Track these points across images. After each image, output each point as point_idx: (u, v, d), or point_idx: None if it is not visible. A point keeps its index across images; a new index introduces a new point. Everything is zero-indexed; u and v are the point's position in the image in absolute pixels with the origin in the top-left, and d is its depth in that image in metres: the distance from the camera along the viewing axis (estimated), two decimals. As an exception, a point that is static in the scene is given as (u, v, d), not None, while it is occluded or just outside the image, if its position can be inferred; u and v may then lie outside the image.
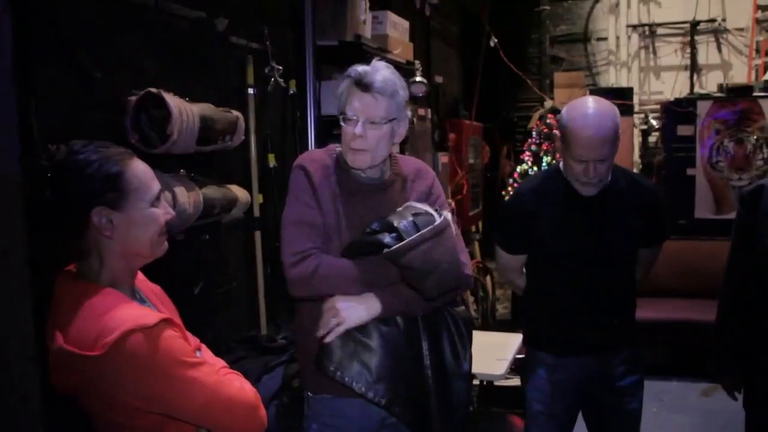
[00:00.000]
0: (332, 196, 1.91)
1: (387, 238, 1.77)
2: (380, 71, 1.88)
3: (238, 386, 1.51)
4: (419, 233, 1.76)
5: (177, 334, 1.44)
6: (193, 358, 1.45)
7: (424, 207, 1.88)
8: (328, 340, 1.82)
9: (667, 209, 2.52)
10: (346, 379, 1.81)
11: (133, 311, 1.40)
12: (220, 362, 1.60)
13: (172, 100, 2.16)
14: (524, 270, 2.53)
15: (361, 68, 1.88)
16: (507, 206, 2.56)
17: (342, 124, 1.91)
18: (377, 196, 1.96)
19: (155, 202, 1.51)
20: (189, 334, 1.72)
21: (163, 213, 1.54)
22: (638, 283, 2.50)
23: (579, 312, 2.36)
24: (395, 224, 1.78)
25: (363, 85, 1.86)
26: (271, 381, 2.08)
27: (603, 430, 2.51)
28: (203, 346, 1.69)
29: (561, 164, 2.37)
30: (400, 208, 1.88)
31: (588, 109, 2.19)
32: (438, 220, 1.82)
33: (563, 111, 2.28)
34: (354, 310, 1.82)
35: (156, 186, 1.52)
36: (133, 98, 2.15)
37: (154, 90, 2.15)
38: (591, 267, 2.32)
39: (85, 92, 2.08)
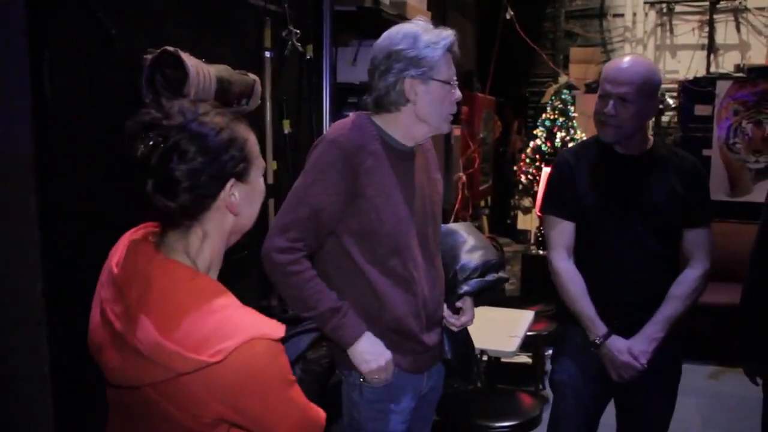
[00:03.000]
0: (381, 174, 1.84)
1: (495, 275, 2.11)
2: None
3: (311, 405, 1.34)
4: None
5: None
6: (292, 375, 1.27)
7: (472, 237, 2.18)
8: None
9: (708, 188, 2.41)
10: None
11: (251, 316, 1.20)
12: None
13: (189, 60, 2.09)
14: (571, 258, 2.33)
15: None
16: (553, 167, 2.48)
17: (444, 86, 1.87)
18: (413, 163, 1.96)
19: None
20: None
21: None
22: (699, 278, 2.28)
23: (614, 283, 2.25)
24: (494, 260, 2.13)
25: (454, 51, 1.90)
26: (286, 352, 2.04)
27: (633, 418, 2.41)
28: None
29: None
30: (471, 240, 2.15)
31: (628, 56, 2.29)
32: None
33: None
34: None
35: (258, 152, 1.32)
36: (149, 57, 2.08)
37: (170, 49, 2.08)
38: (628, 233, 2.23)
39: (101, 48, 2.01)
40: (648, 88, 2.18)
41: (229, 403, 1.17)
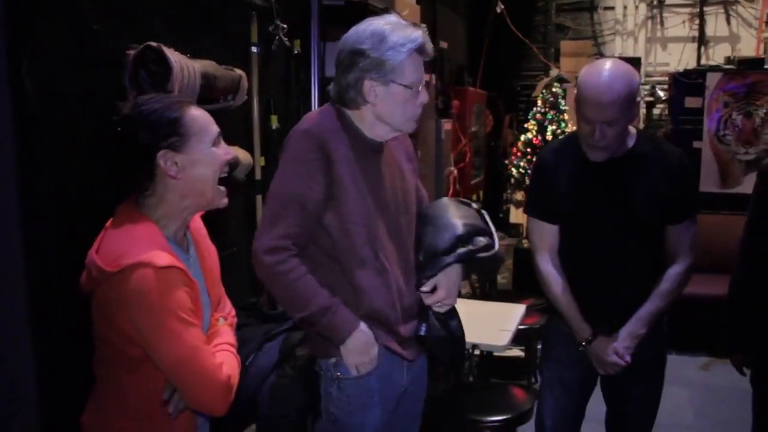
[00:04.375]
0: (350, 164, 1.82)
1: (482, 240, 1.95)
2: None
3: (217, 363, 1.56)
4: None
5: (185, 288, 1.52)
6: (187, 315, 1.51)
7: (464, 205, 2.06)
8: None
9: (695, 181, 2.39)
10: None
11: (156, 250, 1.49)
12: (227, 339, 1.68)
13: (173, 56, 2.07)
14: (556, 259, 2.35)
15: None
16: (533, 168, 2.48)
17: (406, 90, 1.82)
18: (382, 156, 1.93)
19: (215, 142, 1.63)
20: (227, 303, 1.82)
21: (224, 152, 1.65)
22: (683, 273, 2.29)
23: (596, 282, 2.28)
24: (481, 226, 1.98)
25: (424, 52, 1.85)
26: (273, 349, 2.03)
27: (620, 410, 2.45)
28: (228, 320, 1.76)
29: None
30: (451, 212, 2.00)
31: (603, 70, 2.11)
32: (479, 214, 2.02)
33: (581, 70, 2.21)
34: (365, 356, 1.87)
35: (214, 128, 1.63)
36: (132, 52, 2.06)
37: (153, 44, 2.05)
38: (610, 234, 2.24)
39: (83, 45, 1.99)
40: (630, 100, 2.11)
41: (126, 316, 1.46)
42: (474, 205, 2.09)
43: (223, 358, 1.60)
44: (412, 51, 1.79)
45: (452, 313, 2.01)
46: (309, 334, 1.94)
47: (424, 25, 1.89)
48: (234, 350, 1.69)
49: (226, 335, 1.71)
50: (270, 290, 1.86)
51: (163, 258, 1.48)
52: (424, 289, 1.95)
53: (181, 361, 1.50)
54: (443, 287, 1.94)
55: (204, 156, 1.60)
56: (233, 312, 1.86)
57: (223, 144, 1.66)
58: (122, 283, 1.45)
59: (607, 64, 2.13)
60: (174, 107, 1.58)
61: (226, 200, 1.69)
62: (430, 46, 1.85)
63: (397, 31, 1.78)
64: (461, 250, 1.94)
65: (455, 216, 1.99)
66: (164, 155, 1.55)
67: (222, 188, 1.67)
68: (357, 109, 1.85)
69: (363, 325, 1.83)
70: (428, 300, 1.95)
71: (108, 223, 1.60)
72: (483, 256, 1.96)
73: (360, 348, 1.84)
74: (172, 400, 1.55)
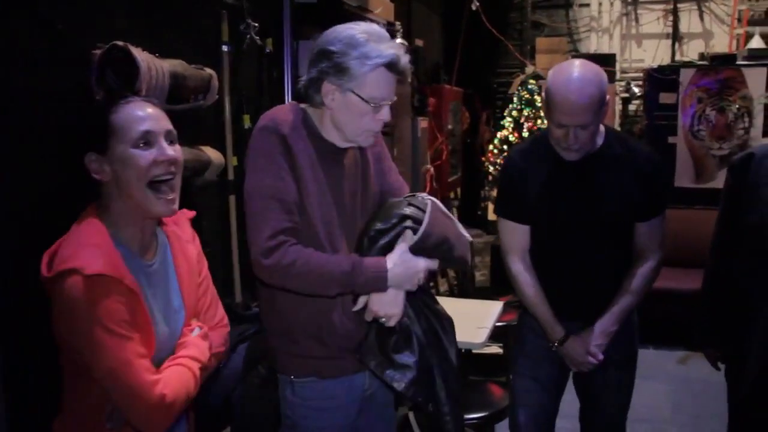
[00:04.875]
0: (311, 161, 1.78)
1: (409, 223, 1.77)
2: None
3: (149, 380, 1.46)
4: (431, 211, 1.78)
5: (118, 297, 1.44)
6: (117, 326, 1.44)
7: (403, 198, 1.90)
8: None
9: (666, 180, 2.39)
10: (387, 375, 1.81)
11: (91, 255, 1.44)
12: (189, 352, 1.60)
13: (140, 55, 2.03)
14: (527, 259, 2.34)
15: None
16: (501, 169, 2.47)
17: (363, 103, 1.75)
18: (342, 158, 1.87)
19: (138, 143, 1.53)
20: (217, 311, 1.79)
21: (151, 154, 1.53)
22: (653, 269, 2.30)
23: (567, 279, 2.29)
24: (407, 212, 1.79)
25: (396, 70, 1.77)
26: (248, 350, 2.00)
27: (593, 404, 2.46)
28: (204, 330, 1.69)
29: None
30: (388, 204, 1.87)
31: (572, 73, 2.09)
32: (428, 200, 1.84)
33: (549, 73, 2.19)
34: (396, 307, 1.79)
35: (139, 127, 1.53)
36: (98, 52, 2.02)
37: (120, 43, 2.02)
38: (580, 233, 2.25)
39: (47, 45, 1.95)
40: (601, 102, 2.09)
41: (62, 321, 1.44)
42: (418, 197, 1.89)
43: (166, 375, 1.51)
44: (379, 66, 1.72)
45: (404, 332, 1.84)
46: (275, 351, 1.89)
47: (406, 43, 1.82)
48: (195, 365, 1.59)
49: (191, 348, 1.62)
50: (291, 288, 1.74)
51: (94, 265, 1.42)
52: (354, 308, 1.80)
53: (109, 374, 1.43)
54: (372, 301, 1.78)
55: (123, 158, 1.52)
56: (225, 320, 1.83)
57: (160, 144, 1.56)
58: (57, 289, 1.42)
59: (576, 69, 2.10)
60: (105, 108, 1.54)
61: (166, 209, 1.59)
62: (404, 65, 1.76)
63: (371, 43, 1.71)
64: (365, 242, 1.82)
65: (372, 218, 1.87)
66: (89, 157, 1.53)
67: (161, 195, 1.57)
68: (317, 108, 1.81)
69: (390, 263, 1.75)
70: (367, 317, 1.81)
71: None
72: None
73: (391, 299, 1.77)
74: (113, 415, 1.50)
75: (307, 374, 1.85)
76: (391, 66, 1.74)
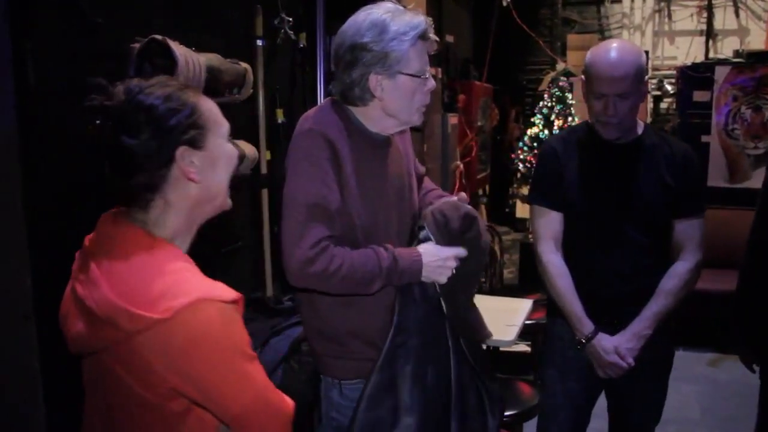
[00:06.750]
0: (356, 165, 1.74)
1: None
2: None
3: (281, 394, 1.31)
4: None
5: (240, 317, 1.24)
6: (251, 350, 1.24)
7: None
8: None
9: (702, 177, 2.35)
10: None
11: (205, 279, 1.21)
12: None
13: (178, 49, 2.06)
14: (559, 249, 2.30)
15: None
16: (539, 156, 2.44)
17: (414, 79, 1.75)
18: (387, 150, 1.85)
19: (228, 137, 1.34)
20: None
21: (235, 149, 1.37)
22: (690, 271, 2.23)
23: (598, 272, 2.23)
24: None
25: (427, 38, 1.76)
26: (279, 344, 2.02)
27: (624, 411, 2.39)
28: None
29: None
30: (435, 205, 1.86)
31: (611, 44, 2.16)
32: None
33: (587, 53, 2.22)
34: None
35: (226, 121, 1.33)
36: (137, 46, 2.05)
37: (158, 37, 2.04)
38: (616, 223, 2.20)
39: (86, 38, 1.97)
40: (640, 74, 2.12)
41: (178, 368, 1.15)
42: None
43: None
44: (416, 38, 1.70)
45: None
46: (321, 355, 1.86)
47: (420, 10, 1.82)
48: None
49: None
50: (336, 292, 1.72)
51: (222, 288, 1.20)
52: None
53: (254, 403, 1.23)
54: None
55: (223, 153, 1.31)
56: None
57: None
58: (177, 329, 1.13)
59: (614, 43, 2.17)
60: (187, 93, 1.25)
61: (230, 202, 1.39)
62: (432, 30, 1.76)
63: (397, 19, 1.68)
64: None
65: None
66: (183, 152, 1.22)
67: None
68: (364, 105, 1.77)
69: (423, 249, 1.77)
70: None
71: (94, 250, 1.25)
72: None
73: (434, 269, 1.77)
74: None
75: (356, 376, 1.81)
76: (424, 35, 1.73)
